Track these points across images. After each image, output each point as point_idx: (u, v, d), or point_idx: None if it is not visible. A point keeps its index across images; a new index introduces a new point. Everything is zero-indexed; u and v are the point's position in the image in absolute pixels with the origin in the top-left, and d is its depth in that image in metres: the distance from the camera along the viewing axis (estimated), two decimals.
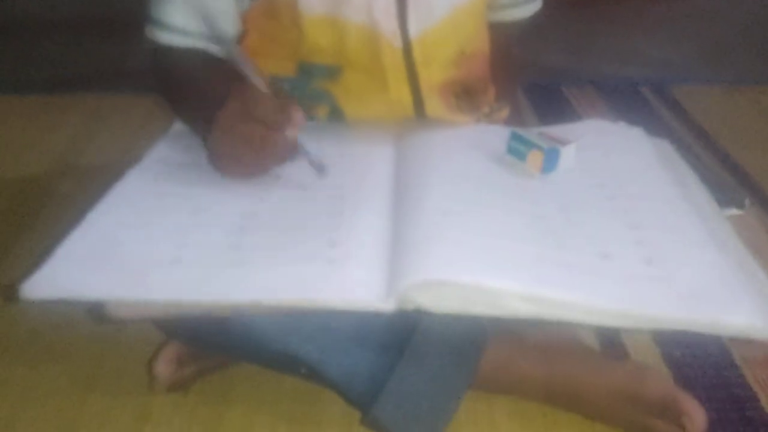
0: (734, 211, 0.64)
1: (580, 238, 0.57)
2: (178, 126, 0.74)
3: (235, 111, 0.59)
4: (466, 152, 0.70)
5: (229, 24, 0.71)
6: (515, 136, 0.68)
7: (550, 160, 0.66)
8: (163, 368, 0.67)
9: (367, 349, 0.60)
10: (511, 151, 0.68)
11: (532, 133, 0.69)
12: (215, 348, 0.68)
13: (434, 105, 0.75)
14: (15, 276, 0.53)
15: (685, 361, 0.72)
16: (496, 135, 0.72)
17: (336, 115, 0.75)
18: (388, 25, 0.69)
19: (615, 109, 1.41)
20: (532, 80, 1.52)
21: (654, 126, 1.33)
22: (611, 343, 0.74)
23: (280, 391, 0.69)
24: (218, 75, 0.69)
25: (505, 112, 0.85)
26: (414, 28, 0.70)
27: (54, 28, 1.82)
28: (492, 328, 0.62)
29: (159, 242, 0.56)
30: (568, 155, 0.68)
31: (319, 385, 0.66)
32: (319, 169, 0.63)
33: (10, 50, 1.71)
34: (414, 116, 0.75)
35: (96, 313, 0.54)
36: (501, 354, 0.63)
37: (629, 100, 1.46)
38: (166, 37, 0.70)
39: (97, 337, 0.75)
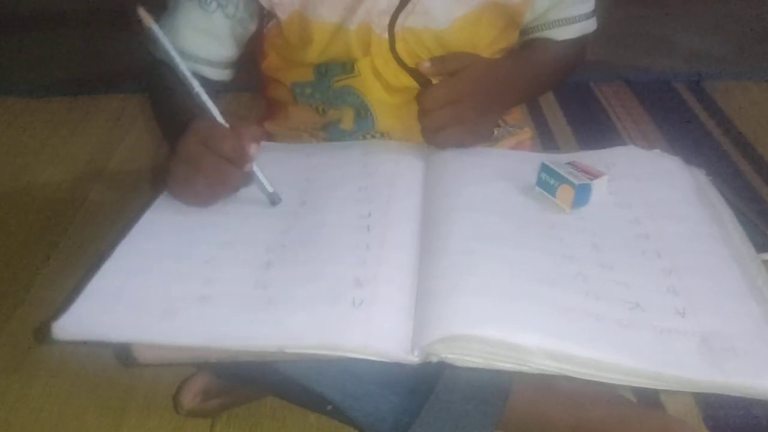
0: None
1: (611, 284, 0.55)
2: None
3: (193, 142, 0.60)
4: (496, 182, 0.68)
5: (223, 48, 0.75)
6: (545, 169, 0.66)
7: (581, 196, 0.64)
8: (189, 401, 0.68)
9: (392, 393, 0.59)
10: (541, 184, 0.66)
11: (563, 164, 0.66)
12: (243, 380, 0.68)
13: None
14: (52, 293, 0.50)
15: (727, 422, 0.70)
16: (528, 163, 0.70)
17: (362, 113, 0.75)
18: (380, 21, 0.70)
19: (647, 108, 1.37)
20: None
21: (688, 128, 1.30)
22: (647, 395, 0.71)
23: (305, 427, 0.69)
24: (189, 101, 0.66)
25: (527, 134, 0.83)
26: (399, 24, 0.70)
27: (75, 21, 1.83)
28: (519, 376, 0.61)
29: (186, 278, 0.56)
30: (600, 189, 0.65)
31: (343, 423, 0.66)
32: (272, 200, 0.65)
33: (30, 47, 1.71)
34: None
35: (123, 355, 0.54)
36: (527, 399, 0.62)
37: (662, 98, 1.41)
38: (159, 53, 0.70)
39: (124, 369, 0.75)
